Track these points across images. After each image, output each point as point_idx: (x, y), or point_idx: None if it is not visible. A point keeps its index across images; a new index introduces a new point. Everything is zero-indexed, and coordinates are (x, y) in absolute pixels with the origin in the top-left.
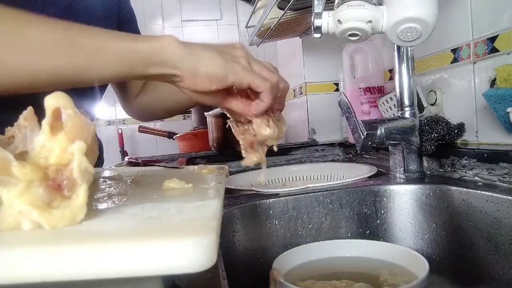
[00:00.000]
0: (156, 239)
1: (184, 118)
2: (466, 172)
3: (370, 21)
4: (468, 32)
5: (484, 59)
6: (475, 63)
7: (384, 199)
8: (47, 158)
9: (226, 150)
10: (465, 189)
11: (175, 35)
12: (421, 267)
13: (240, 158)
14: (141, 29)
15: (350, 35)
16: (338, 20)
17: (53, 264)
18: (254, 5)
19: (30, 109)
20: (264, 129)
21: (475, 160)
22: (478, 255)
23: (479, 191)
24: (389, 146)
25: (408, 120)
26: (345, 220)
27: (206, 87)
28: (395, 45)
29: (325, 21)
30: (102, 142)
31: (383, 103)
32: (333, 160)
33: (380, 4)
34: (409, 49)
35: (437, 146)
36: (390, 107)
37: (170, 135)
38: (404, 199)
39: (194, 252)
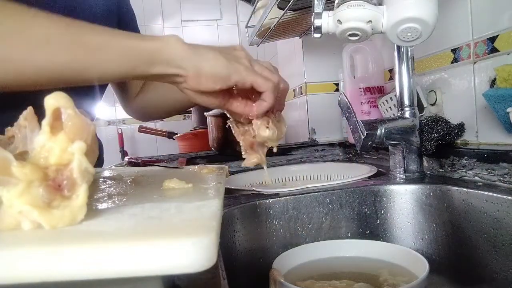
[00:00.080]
0: (156, 239)
1: (184, 118)
2: (466, 172)
3: (370, 21)
4: (468, 32)
5: (484, 59)
6: (475, 63)
7: (384, 199)
8: (47, 158)
9: (226, 150)
10: (465, 189)
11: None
12: (421, 267)
13: (240, 158)
14: (141, 29)
15: (350, 35)
16: (338, 20)
17: (53, 264)
18: (254, 5)
19: (30, 109)
20: (264, 131)
21: (475, 160)
22: (478, 255)
23: (479, 191)
24: (389, 146)
25: (408, 120)
26: (345, 220)
27: (210, 86)
28: (395, 45)
29: (325, 21)
30: (102, 142)
31: (383, 103)
32: (333, 160)
33: (380, 4)
34: (409, 49)
35: (437, 146)
36: (390, 107)
37: (170, 135)
38: (404, 199)
39: (194, 252)
